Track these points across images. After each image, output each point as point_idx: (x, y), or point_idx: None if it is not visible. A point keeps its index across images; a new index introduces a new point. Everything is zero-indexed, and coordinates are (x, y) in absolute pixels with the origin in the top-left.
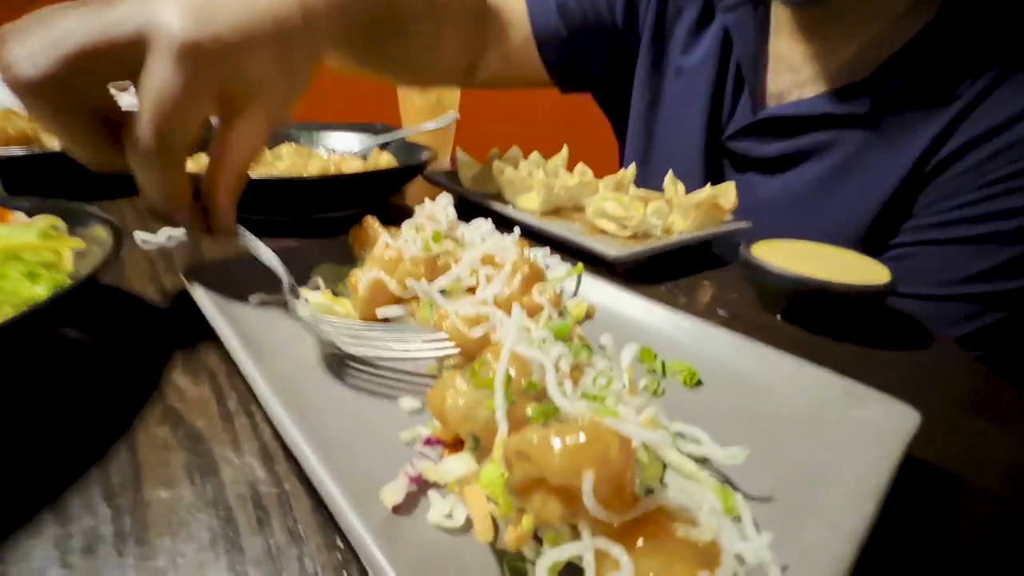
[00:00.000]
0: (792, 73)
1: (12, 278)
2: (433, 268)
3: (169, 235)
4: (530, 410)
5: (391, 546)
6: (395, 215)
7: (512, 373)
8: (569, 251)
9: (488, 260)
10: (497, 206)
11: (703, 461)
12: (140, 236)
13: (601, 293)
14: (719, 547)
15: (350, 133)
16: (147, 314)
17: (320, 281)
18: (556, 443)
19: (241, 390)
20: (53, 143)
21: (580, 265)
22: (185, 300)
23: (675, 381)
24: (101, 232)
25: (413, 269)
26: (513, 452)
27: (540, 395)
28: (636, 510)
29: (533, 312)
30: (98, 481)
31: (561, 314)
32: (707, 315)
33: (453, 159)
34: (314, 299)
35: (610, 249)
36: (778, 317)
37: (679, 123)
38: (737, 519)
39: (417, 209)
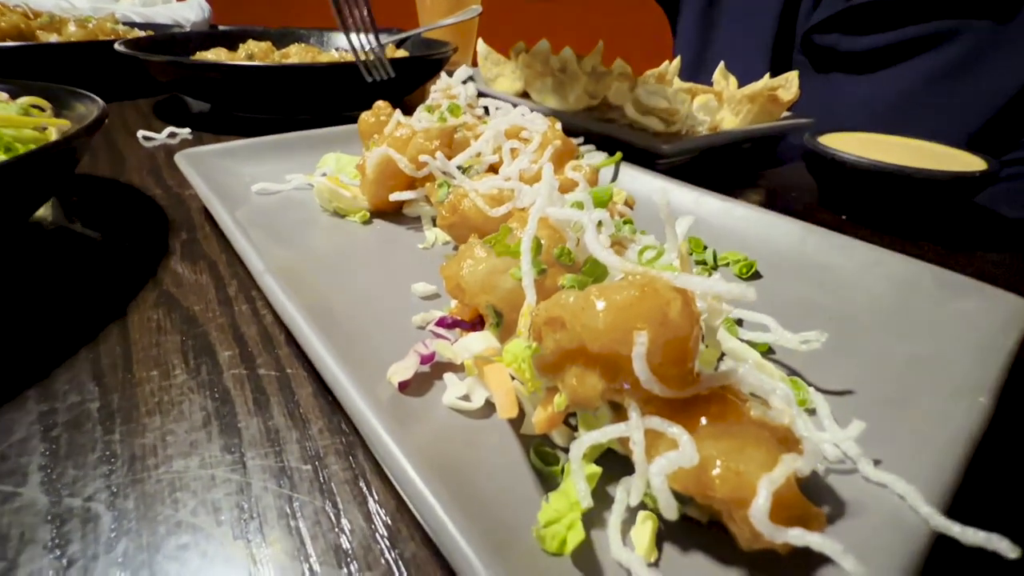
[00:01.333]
0: None
1: None
2: (450, 142)
3: (171, 132)
4: (565, 280)
5: (399, 426)
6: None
7: (542, 241)
8: (607, 149)
9: (514, 134)
10: (525, 104)
11: (766, 355)
12: (143, 134)
13: (641, 183)
14: (796, 436)
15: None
16: (148, 207)
17: (328, 171)
18: (599, 303)
19: (242, 277)
20: (49, 37)
21: (619, 154)
22: (188, 195)
23: (728, 273)
24: (86, 110)
25: (427, 144)
26: (544, 320)
27: (575, 268)
28: (700, 386)
29: (567, 189)
30: (87, 360)
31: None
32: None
33: (475, 57)
34: (319, 184)
35: (657, 143)
36: (843, 217)
37: (747, 13)
38: (811, 411)
39: (432, 88)
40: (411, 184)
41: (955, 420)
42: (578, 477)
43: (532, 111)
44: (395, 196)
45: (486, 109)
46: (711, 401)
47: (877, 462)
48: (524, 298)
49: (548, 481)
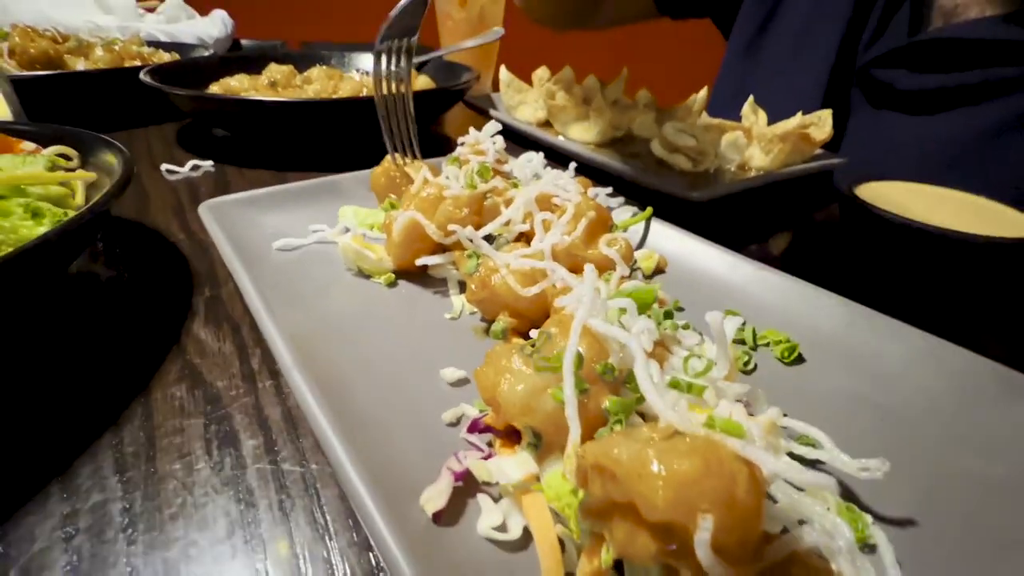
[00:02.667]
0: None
1: (14, 215)
2: (479, 209)
3: (194, 165)
4: (606, 403)
5: (431, 565)
6: (433, 147)
7: (582, 352)
8: (631, 189)
9: (544, 201)
10: (547, 136)
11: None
12: (166, 167)
13: (674, 242)
14: None
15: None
16: (171, 254)
17: (350, 225)
18: (656, 467)
19: (266, 346)
20: (77, 62)
21: (649, 209)
22: (211, 242)
23: (768, 355)
24: (112, 160)
25: (455, 211)
26: (591, 464)
27: (617, 384)
28: (765, 560)
29: (601, 269)
30: (110, 447)
31: (634, 269)
32: (798, 272)
33: (496, 81)
34: (344, 243)
35: (687, 189)
36: (887, 275)
37: (802, 42)
38: (870, 548)
39: (459, 140)
40: (438, 246)
41: None
42: None
43: (557, 148)
44: (422, 261)
45: (509, 145)
46: (775, 572)
47: None
48: (564, 418)
49: None
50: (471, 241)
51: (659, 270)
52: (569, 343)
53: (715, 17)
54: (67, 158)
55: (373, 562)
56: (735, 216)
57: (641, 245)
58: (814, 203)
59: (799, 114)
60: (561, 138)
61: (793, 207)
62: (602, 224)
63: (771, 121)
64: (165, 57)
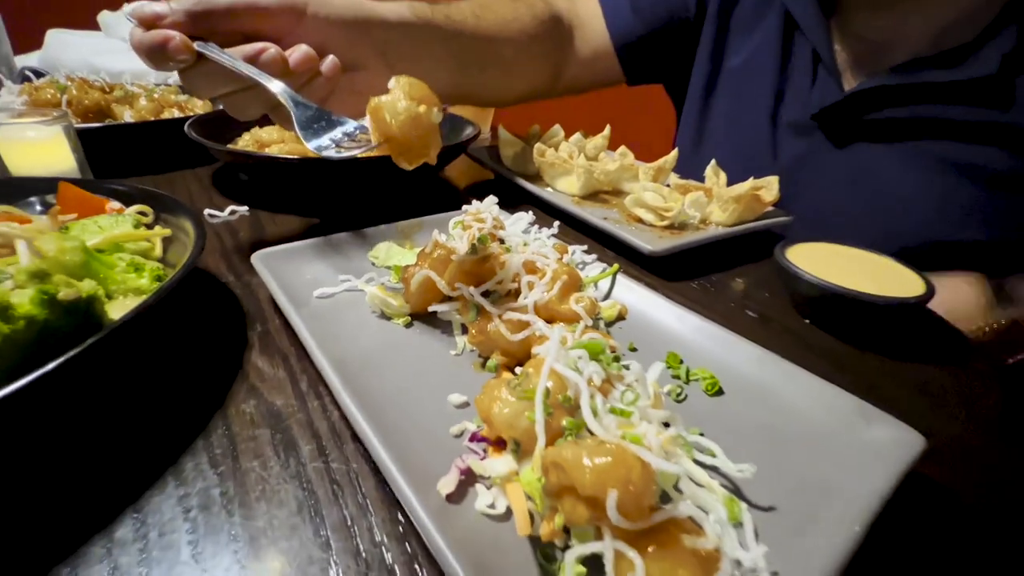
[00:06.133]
0: (871, 45)
1: (120, 268)
2: (480, 271)
3: (232, 210)
4: (564, 422)
5: (445, 527)
6: (438, 191)
7: (550, 386)
8: (605, 238)
9: (530, 265)
10: (536, 189)
11: (716, 468)
12: (208, 212)
13: (634, 294)
14: (720, 554)
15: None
16: (224, 295)
17: (374, 274)
18: (586, 461)
19: (311, 373)
20: (124, 111)
21: (616, 266)
22: (255, 283)
23: (698, 388)
24: (184, 221)
25: (462, 272)
26: (549, 462)
27: (573, 408)
28: (650, 521)
29: (571, 320)
30: (204, 449)
31: (597, 319)
32: (737, 313)
33: (493, 130)
34: (370, 291)
35: (646, 243)
36: (807, 321)
37: (745, 91)
38: (739, 526)
39: (463, 208)
40: (446, 296)
41: (836, 540)
42: (569, 574)
43: (543, 200)
44: (432, 308)
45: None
46: (659, 530)
47: (774, 574)
48: (535, 432)
49: (550, 574)
50: (472, 295)
51: (621, 317)
52: (540, 380)
53: (669, 86)
54: (144, 214)
55: (401, 531)
56: (696, 261)
57: (608, 296)
58: (763, 252)
59: (751, 179)
60: (549, 190)
61: (746, 255)
62: (573, 284)
63: (728, 171)
64: (198, 104)
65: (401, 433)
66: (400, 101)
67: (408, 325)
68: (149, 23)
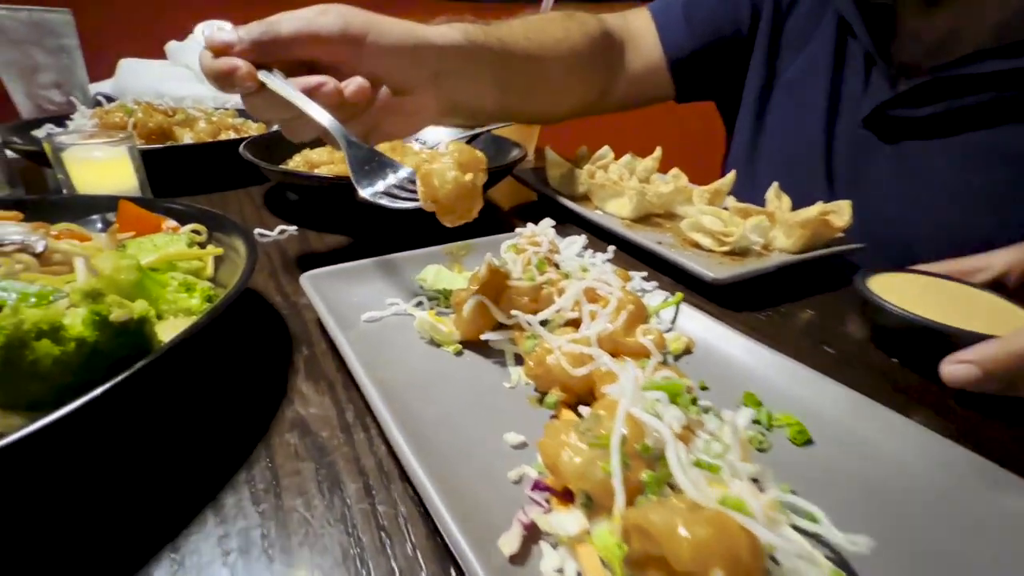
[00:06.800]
0: (926, 46)
1: (172, 288)
2: (536, 297)
3: (281, 229)
4: (644, 476)
5: None
6: (484, 214)
7: (626, 433)
8: (660, 263)
9: (590, 292)
10: (586, 211)
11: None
12: (258, 231)
13: (699, 325)
14: None
15: (439, 127)
16: (270, 315)
17: (424, 299)
18: (683, 532)
19: (357, 403)
20: (184, 134)
21: (679, 295)
22: (302, 305)
23: (781, 435)
24: (237, 241)
25: (517, 299)
26: (632, 526)
27: (652, 460)
28: None
29: (638, 354)
30: (246, 484)
31: (665, 353)
32: (812, 348)
33: (539, 151)
34: (419, 316)
35: (708, 270)
36: (895, 360)
37: (799, 99)
38: None
39: (516, 230)
40: (498, 323)
41: None
42: None
43: (594, 224)
44: (486, 336)
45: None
46: None
47: None
48: (611, 485)
49: None
50: (530, 324)
51: (687, 351)
52: (615, 426)
53: (718, 98)
54: (197, 232)
55: None
56: (759, 290)
57: (671, 327)
58: (832, 281)
59: (819, 203)
60: (599, 212)
61: (814, 284)
62: (640, 315)
63: (782, 185)
64: (253, 126)
65: (455, 477)
66: (450, 171)
67: (458, 353)
68: (219, 51)
